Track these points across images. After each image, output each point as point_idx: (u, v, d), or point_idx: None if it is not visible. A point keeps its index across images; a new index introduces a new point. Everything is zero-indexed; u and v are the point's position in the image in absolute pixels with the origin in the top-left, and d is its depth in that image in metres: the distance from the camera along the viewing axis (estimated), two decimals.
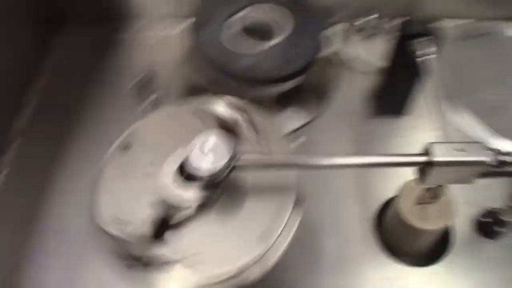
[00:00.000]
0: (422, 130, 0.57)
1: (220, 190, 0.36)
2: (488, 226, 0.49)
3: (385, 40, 0.64)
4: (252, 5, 0.55)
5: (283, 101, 0.55)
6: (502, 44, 0.67)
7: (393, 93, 0.56)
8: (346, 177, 0.53)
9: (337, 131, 0.57)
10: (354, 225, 0.50)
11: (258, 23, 0.56)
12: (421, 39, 0.46)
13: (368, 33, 0.66)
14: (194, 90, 0.58)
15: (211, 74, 0.51)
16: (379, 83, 0.57)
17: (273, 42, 0.52)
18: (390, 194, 0.50)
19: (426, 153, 0.36)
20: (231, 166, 0.34)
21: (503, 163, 0.36)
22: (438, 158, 0.35)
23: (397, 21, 0.62)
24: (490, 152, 0.36)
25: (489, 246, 0.49)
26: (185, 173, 0.37)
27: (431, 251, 0.48)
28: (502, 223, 0.48)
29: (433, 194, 0.42)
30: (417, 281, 0.47)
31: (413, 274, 0.47)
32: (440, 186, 0.41)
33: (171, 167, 0.36)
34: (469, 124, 0.58)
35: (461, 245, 0.48)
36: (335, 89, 0.60)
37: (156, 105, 0.57)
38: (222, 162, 0.34)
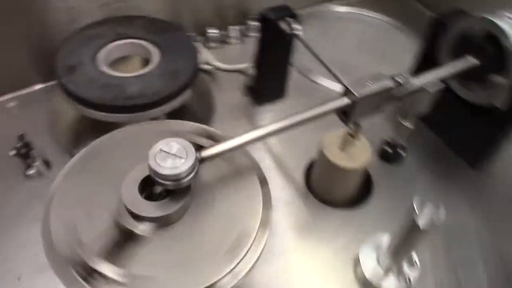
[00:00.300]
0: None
1: (190, 196, 0.36)
2: (391, 153, 0.57)
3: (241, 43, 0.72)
4: (112, 42, 0.55)
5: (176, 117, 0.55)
6: (333, 19, 0.79)
7: (269, 78, 0.61)
8: (271, 145, 0.56)
9: (230, 128, 0.59)
10: (288, 188, 0.53)
11: (125, 55, 0.56)
12: (287, 20, 0.52)
13: (222, 40, 0.71)
14: (82, 138, 0.55)
15: (97, 114, 0.49)
16: (253, 76, 0.62)
17: (149, 67, 0.52)
18: (314, 152, 0.54)
19: (345, 94, 0.42)
20: (197, 166, 0.34)
21: (400, 85, 0.44)
22: (358, 94, 0.41)
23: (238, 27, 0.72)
24: (389, 79, 0.43)
25: (398, 171, 0.56)
26: (148, 188, 0.36)
27: (357, 194, 0.53)
28: (402, 147, 0.56)
29: (352, 134, 0.47)
30: (347, 221, 0.51)
31: (343, 216, 0.52)
32: (358, 125, 0.46)
33: (132, 182, 0.35)
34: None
35: (378, 180, 0.55)
36: (218, 94, 0.62)
37: (44, 167, 0.52)
38: (188, 163, 0.33)
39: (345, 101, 0.41)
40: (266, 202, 0.37)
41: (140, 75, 0.51)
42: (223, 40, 0.71)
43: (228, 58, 0.68)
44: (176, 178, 0.33)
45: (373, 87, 0.41)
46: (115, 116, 0.48)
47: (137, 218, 0.34)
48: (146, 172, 0.35)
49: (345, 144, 0.48)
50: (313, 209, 0.52)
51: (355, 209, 0.52)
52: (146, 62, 0.56)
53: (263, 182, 0.38)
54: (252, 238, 0.35)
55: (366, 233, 0.49)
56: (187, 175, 0.33)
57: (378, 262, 0.45)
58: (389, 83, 0.42)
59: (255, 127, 0.37)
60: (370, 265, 0.45)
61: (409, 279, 0.45)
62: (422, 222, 0.37)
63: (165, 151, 0.33)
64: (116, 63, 0.56)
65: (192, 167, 0.33)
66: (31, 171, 0.52)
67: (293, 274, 0.47)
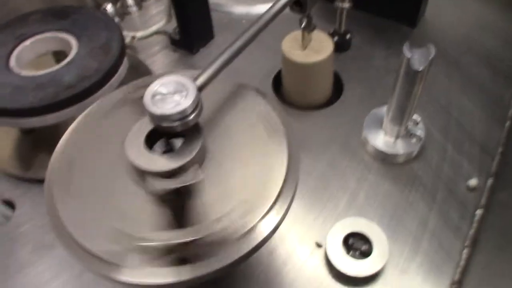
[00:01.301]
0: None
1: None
2: (341, 41, 0.57)
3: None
4: (18, 46, 0.48)
5: None
6: None
7: (194, 23, 0.57)
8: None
9: None
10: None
11: (39, 53, 0.50)
12: None
13: (122, 12, 0.66)
14: (30, 159, 0.48)
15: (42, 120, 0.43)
16: (175, 29, 0.58)
17: (73, 52, 0.47)
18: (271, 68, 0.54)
19: None
20: (200, 98, 0.31)
21: None
22: None
23: None
24: None
25: (353, 55, 0.57)
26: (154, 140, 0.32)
27: (327, 95, 0.53)
28: (347, 32, 0.57)
29: (308, 29, 0.46)
30: (336, 115, 0.51)
31: (329, 113, 0.51)
32: (310, 19, 0.45)
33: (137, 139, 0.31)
34: None
35: (341, 71, 0.55)
36: (150, 62, 0.59)
37: (7, 208, 0.46)
38: (191, 96, 0.30)
39: None
40: (285, 124, 0.34)
41: (68, 62, 0.45)
42: (123, 13, 0.66)
43: (137, 26, 0.64)
44: (182, 116, 0.30)
45: None
46: (64, 112, 0.42)
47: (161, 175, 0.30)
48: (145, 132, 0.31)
49: (305, 42, 0.47)
50: (299, 118, 0.51)
51: (335, 104, 0.52)
52: (59, 54, 0.50)
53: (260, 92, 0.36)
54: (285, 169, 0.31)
55: (358, 117, 0.49)
56: (194, 110, 0.30)
57: (385, 133, 0.46)
58: None
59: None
60: (378, 139, 0.46)
61: (420, 136, 0.45)
62: (417, 63, 0.37)
63: (161, 93, 0.30)
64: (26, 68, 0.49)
65: (196, 99, 0.30)
66: None
67: (313, 176, 0.46)
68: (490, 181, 0.44)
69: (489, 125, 0.49)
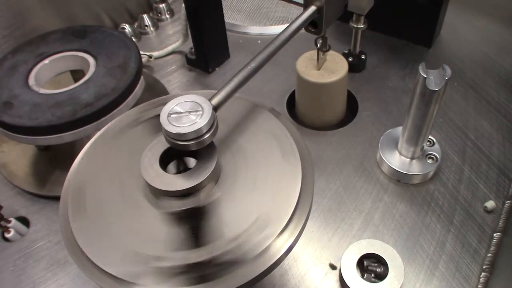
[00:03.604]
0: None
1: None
2: (355, 62, 0.57)
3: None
4: (37, 64, 0.49)
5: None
6: None
7: (210, 43, 0.58)
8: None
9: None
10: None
11: (58, 72, 0.51)
12: None
13: (139, 32, 0.67)
14: (45, 177, 0.49)
15: (59, 138, 0.44)
16: (191, 48, 0.59)
17: (91, 71, 0.47)
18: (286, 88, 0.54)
19: (308, 4, 0.40)
20: (216, 118, 0.31)
21: None
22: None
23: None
24: None
25: (368, 76, 0.57)
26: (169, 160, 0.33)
27: (345, 112, 0.53)
28: (361, 53, 0.57)
29: (323, 49, 0.46)
30: (350, 135, 0.51)
31: (343, 133, 0.51)
32: (325, 39, 0.45)
33: (151, 160, 0.31)
34: None
35: (355, 92, 0.55)
36: (166, 81, 0.59)
37: (21, 225, 0.46)
38: (206, 115, 0.30)
39: (313, 9, 0.40)
40: (300, 145, 0.34)
41: (86, 80, 0.46)
42: (140, 32, 0.67)
43: (154, 45, 0.65)
44: (198, 135, 0.30)
45: None
46: (82, 130, 0.43)
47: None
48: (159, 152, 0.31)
49: (320, 62, 0.47)
50: (313, 138, 0.50)
51: (350, 125, 0.52)
52: (77, 72, 0.51)
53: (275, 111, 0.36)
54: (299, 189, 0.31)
55: (373, 137, 0.49)
56: (209, 129, 0.30)
57: (401, 153, 0.45)
58: None
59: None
60: (394, 159, 0.45)
61: (436, 157, 0.45)
62: (433, 84, 0.37)
63: (177, 112, 0.30)
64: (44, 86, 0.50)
65: (212, 119, 0.30)
66: (10, 234, 0.45)
67: (327, 196, 0.45)
68: (507, 204, 0.43)
69: (506, 147, 0.48)
